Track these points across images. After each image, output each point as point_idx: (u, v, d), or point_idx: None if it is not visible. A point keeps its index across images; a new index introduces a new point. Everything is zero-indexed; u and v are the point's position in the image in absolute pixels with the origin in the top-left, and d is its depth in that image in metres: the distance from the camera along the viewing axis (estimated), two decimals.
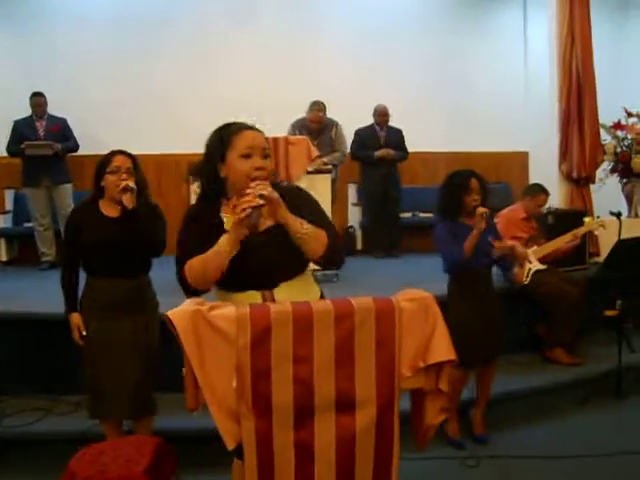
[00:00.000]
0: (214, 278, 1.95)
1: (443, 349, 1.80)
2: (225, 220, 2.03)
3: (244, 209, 1.84)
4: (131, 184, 2.84)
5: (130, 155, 2.97)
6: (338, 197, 6.24)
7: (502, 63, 7.30)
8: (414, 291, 1.88)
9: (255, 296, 1.99)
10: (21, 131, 5.95)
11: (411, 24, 7.21)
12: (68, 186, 6.01)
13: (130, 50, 6.70)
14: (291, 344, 1.74)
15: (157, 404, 3.05)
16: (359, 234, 6.87)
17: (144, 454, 2.10)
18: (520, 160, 7.17)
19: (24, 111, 6.06)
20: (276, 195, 1.91)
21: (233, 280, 1.98)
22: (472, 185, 3.33)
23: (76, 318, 2.98)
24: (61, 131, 6.06)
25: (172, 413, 3.04)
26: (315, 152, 5.16)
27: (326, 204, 5.06)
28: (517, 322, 4.34)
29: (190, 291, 2.00)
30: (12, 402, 3.69)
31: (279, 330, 1.74)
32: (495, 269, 3.79)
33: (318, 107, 5.85)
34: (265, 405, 1.74)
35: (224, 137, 2.03)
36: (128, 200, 2.83)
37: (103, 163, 2.92)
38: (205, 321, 1.72)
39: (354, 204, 7.04)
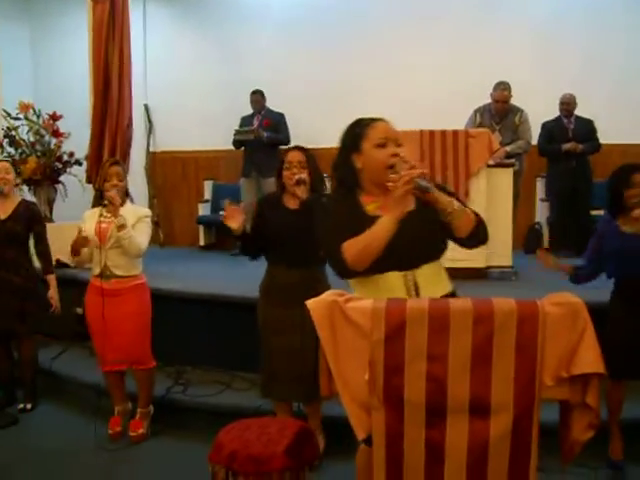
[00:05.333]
0: (376, 256, 1.98)
1: (590, 360, 1.66)
2: (367, 207, 2.10)
3: (407, 181, 1.90)
4: (303, 176, 2.98)
5: (304, 150, 3.10)
6: (525, 192, 5.94)
7: None
8: (563, 294, 1.75)
9: (396, 277, 2.03)
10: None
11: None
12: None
13: (323, 48, 7.02)
14: (426, 341, 1.72)
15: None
16: (546, 231, 6.46)
17: (285, 435, 2.19)
18: None
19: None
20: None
21: (374, 262, 2.01)
22: (634, 180, 2.96)
23: None
24: (273, 125, 6.46)
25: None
26: (496, 144, 4.96)
27: (507, 199, 4.89)
28: None
29: (347, 272, 2.04)
30: (195, 373, 4.12)
31: (414, 326, 1.72)
32: None
33: (503, 86, 5.59)
34: (397, 400, 1.73)
35: (358, 130, 2.12)
36: (302, 191, 2.98)
37: (281, 160, 3.11)
38: (341, 312, 1.76)
39: (542, 199, 6.60)
